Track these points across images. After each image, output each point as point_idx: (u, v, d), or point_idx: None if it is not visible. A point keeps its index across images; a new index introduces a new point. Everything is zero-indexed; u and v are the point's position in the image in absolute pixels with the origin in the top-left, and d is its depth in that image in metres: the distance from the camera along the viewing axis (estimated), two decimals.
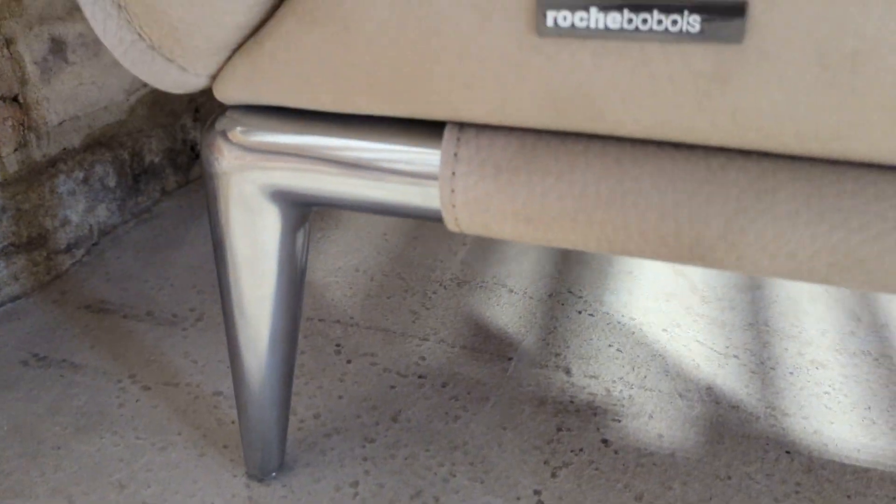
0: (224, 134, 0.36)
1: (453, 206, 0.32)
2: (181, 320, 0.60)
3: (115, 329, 0.59)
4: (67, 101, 0.66)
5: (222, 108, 0.37)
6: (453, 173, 0.32)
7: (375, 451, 0.47)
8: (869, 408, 0.51)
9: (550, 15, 0.27)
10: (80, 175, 0.68)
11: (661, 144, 0.30)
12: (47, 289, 0.64)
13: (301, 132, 0.35)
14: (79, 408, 0.51)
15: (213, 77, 0.35)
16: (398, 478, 0.45)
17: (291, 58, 0.32)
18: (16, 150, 0.62)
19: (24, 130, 0.62)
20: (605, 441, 0.48)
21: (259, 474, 0.46)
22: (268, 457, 0.46)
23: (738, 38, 0.26)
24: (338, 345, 0.57)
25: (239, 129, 0.36)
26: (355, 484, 0.45)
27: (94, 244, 0.71)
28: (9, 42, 0.60)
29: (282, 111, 0.35)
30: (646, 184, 0.30)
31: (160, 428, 0.49)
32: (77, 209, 0.68)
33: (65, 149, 0.67)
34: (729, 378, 0.54)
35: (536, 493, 0.44)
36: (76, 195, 0.68)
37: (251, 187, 0.36)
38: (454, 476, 0.45)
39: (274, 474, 0.46)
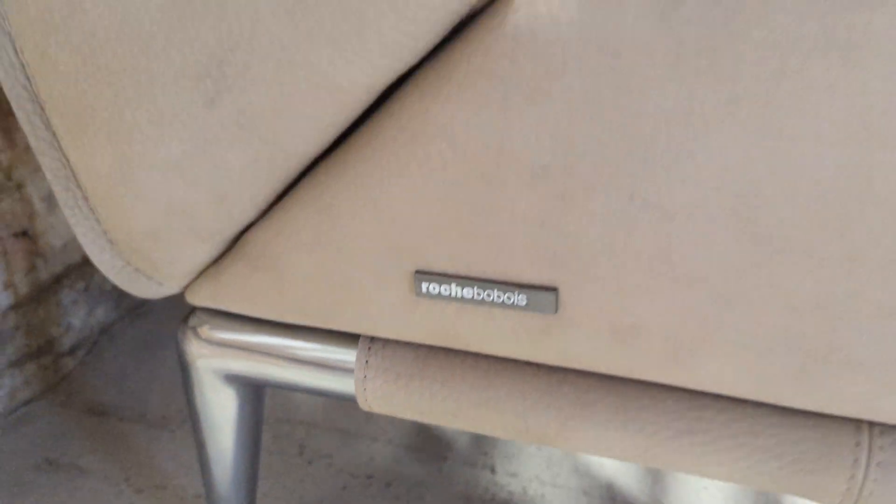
0: (194, 329, 0.46)
1: (366, 399, 0.42)
2: (169, 422, 0.70)
3: (112, 431, 0.69)
4: (69, 225, 0.76)
5: (193, 307, 0.47)
6: (365, 376, 0.42)
7: None
8: (737, 502, 0.61)
9: (424, 285, 0.37)
10: (82, 285, 0.78)
11: (516, 361, 0.40)
12: (55, 391, 0.74)
13: (253, 333, 0.44)
14: None
15: (185, 287, 0.45)
16: None
17: (241, 287, 0.42)
18: (26, 274, 0.72)
19: (33, 257, 0.72)
20: None
21: None
22: None
23: (552, 310, 0.35)
24: (301, 446, 0.67)
25: (206, 326, 0.45)
26: None
27: (94, 343, 0.81)
28: (19, 186, 0.70)
29: (238, 315, 0.45)
30: (503, 392, 0.40)
31: None
32: (79, 315, 0.78)
33: (68, 265, 0.76)
34: (628, 475, 0.63)
35: None
36: (78, 303, 0.78)
37: (214, 371, 0.46)
38: None
39: None
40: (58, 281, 0.75)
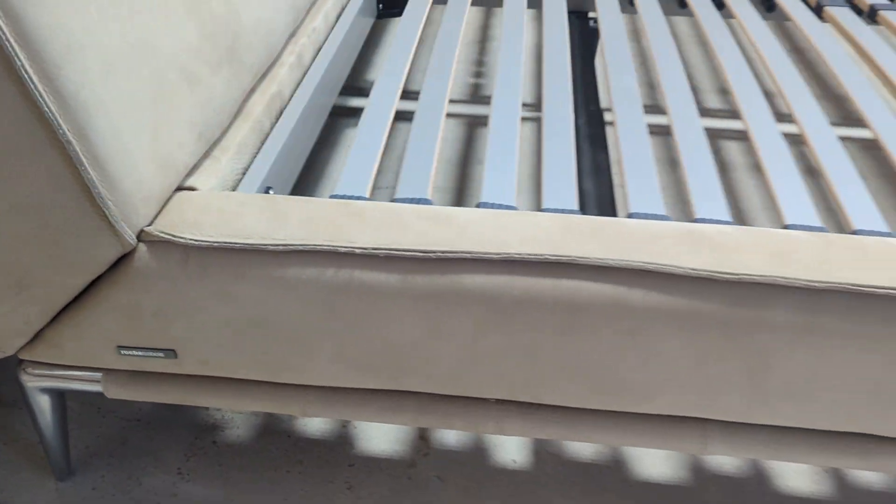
0: (24, 368, 0.93)
1: (108, 392, 0.92)
2: (18, 401, 1.16)
3: None
4: None
5: (21, 359, 0.94)
6: (106, 386, 0.92)
7: None
8: None
9: (122, 351, 0.87)
10: None
11: (175, 373, 0.92)
12: None
13: (50, 370, 0.93)
14: None
15: (17, 351, 0.92)
16: None
17: (43, 351, 0.90)
18: None
19: None
20: None
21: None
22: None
23: (175, 357, 0.87)
24: (97, 405, 1.16)
25: (28, 367, 0.93)
26: None
27: None
28: None
29: (43, 362, 0.93)
30: (166, 379, 0.91)
31: (8, 457, 1.07)
32: None
33: None
34: None
35: None
36: None
37: (34, 387, 0.94)
38: None
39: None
40: None
